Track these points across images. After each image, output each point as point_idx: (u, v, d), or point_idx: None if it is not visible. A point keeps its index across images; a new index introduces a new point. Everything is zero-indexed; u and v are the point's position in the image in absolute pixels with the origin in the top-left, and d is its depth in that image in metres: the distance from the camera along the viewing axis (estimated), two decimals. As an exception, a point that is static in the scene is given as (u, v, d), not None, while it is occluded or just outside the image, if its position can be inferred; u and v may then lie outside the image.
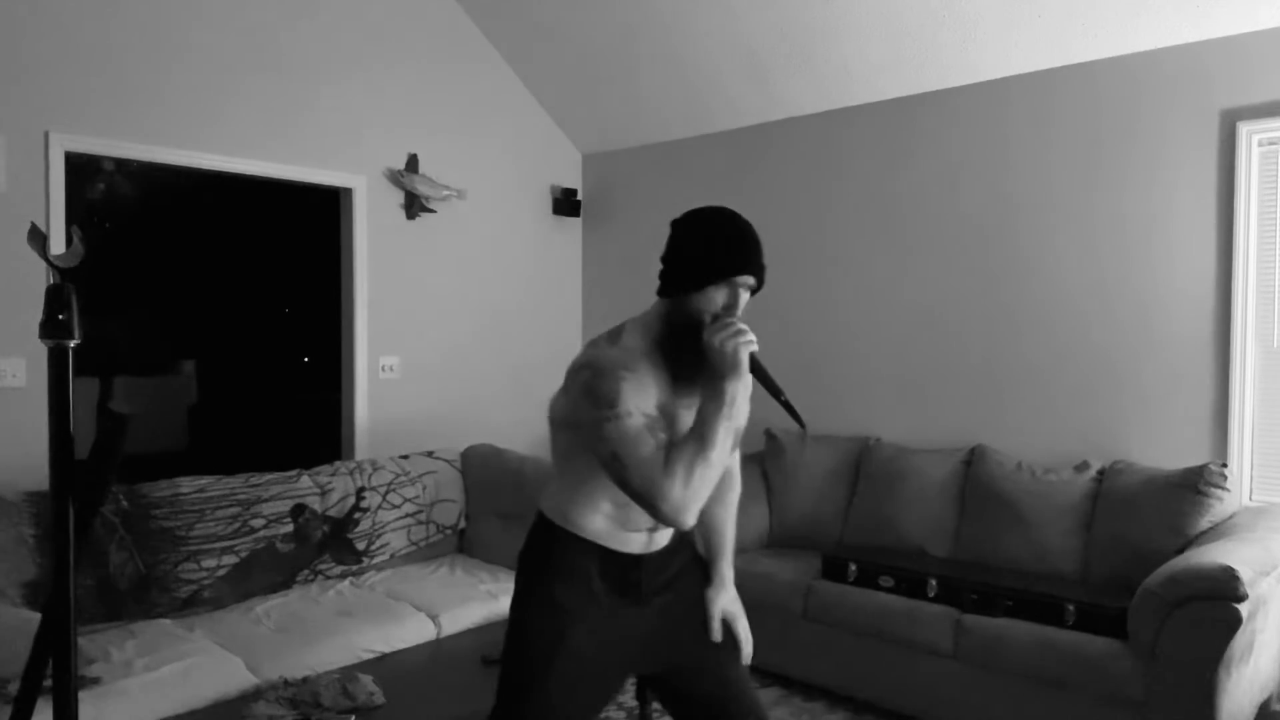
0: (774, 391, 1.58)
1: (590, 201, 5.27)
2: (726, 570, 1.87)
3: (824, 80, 4.13)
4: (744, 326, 1.54)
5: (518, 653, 1.65)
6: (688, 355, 1.58)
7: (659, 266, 1.64)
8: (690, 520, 1.48)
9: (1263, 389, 3.21)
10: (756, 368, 1.55)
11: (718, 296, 1.56)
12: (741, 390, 1.52)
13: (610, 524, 1.65)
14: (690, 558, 1.82)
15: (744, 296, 1.58)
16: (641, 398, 1.51)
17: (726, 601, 1.82)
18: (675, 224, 1.64)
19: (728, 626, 1.82)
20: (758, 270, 1.58)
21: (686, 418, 1.61)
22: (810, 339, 4.36)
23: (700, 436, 1.49)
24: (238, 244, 8.35)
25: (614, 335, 1.62)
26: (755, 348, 1.54)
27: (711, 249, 1.56)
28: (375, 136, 4.28)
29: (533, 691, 1.61)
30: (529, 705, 1.62)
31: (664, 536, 1.73)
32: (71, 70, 3.32)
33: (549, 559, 1.66)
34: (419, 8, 4.43)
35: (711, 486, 1.50)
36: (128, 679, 2.45)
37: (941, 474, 3.62)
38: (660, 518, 1.48)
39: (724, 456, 1.51)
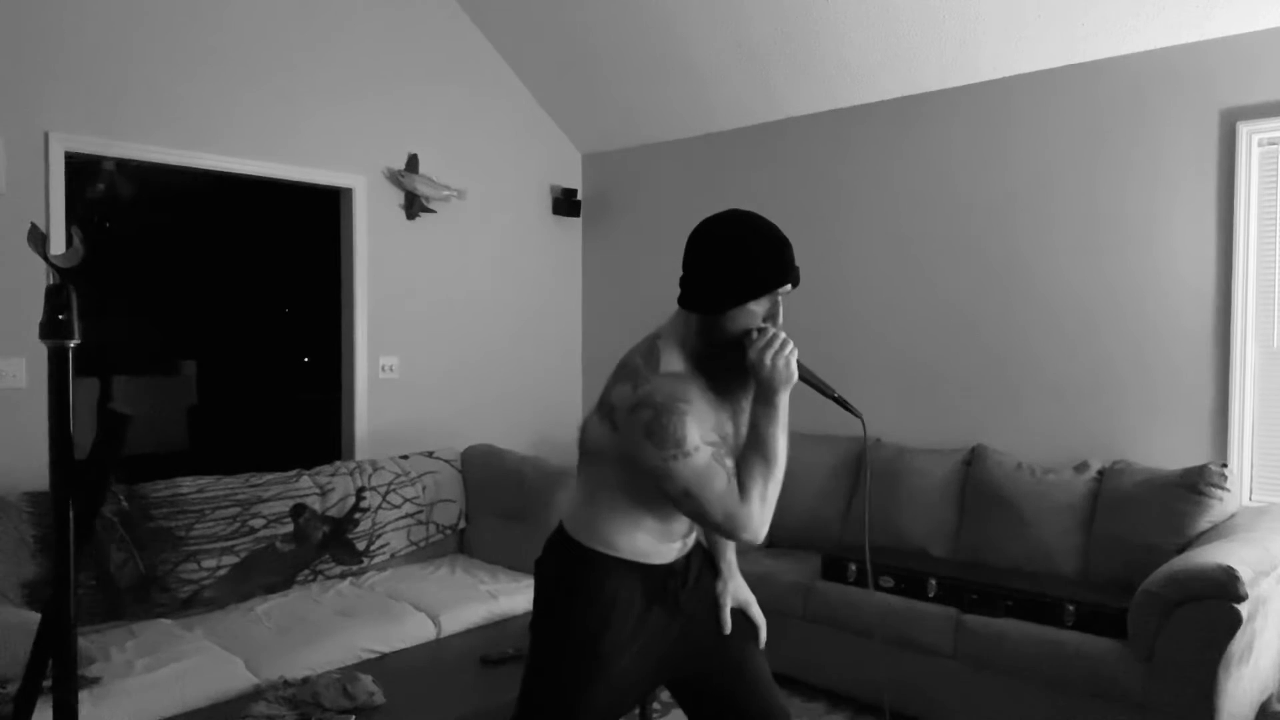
0: (825, 391, 1.61)
1: (590, 201, 5.27)
2: (734, 558, 1.86)
3: (824, 80, 4.13)
4: (785, 336, 1.54)
5: (552, 679, 1.63)
6: (731, 370, 1.57)
7: (684, 277, 1.58)
8: (764, 536, 1.52)
9: (1263, 389, 3.21)
10: (802, 371, 1.57)
11: (759, 309, 1.54)
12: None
13: (652, 539, 1.63)
14: (704, 557, 1.82)
15: (782, 302, 1.57)
16: (703, 428, 1.50)
17: (736, 588, 1.81)
18: (703, 237, 1.57)
19: (742, 614, 1.81)
20: (796, 277, 1.56)
21: (731, 429, 1.61)
22: (810, 339, 4.35)
23: (764, 455, 1.51)
24: (238, 244, 8.35)
25: (651, 357, 1.56)
26: (798, 354, 1.54)
27: (752, 265, 1.51)
28: (375, 136, 4.28)
29: (565, 711, 1.60)
30: None
31: (693, 539, 1.74)
32: (71, 70, 3.32)
33: (587, 582, 1.62)
34: (419, 8, 4.43)
35: (778, 493, 1.53)
36: (128, 679, 2.45)
37: (941, 474, 3.62)
38: (738, 540, 1.53)
39: (784, 466, 1.53)
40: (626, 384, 1.54)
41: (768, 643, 1.85)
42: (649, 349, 1.58)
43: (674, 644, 1.69)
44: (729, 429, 1.61)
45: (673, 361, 1.56)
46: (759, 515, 1.49)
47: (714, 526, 1.51)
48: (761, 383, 1.53)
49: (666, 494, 1.50)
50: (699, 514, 1.50)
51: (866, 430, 1.68)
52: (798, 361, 1.55)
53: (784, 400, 1.54)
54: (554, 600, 1.67)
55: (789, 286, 1.56)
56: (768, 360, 1.51)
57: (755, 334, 1.54)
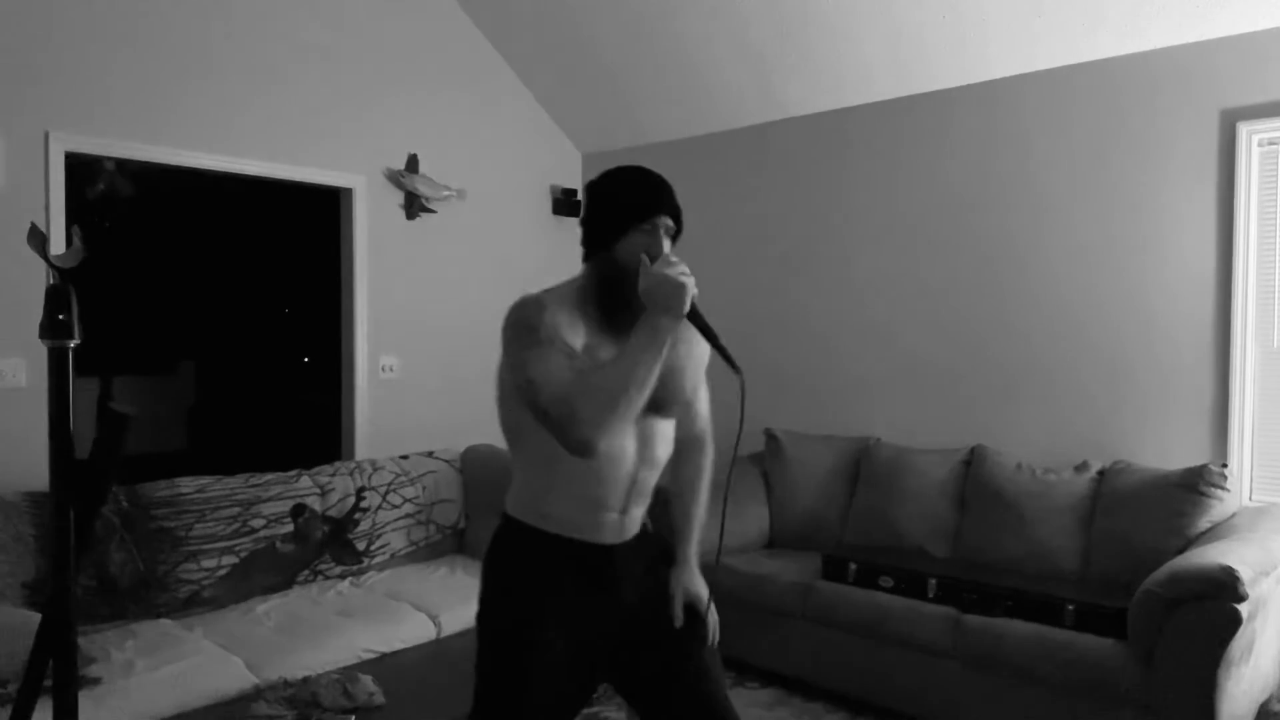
0: (710, 337, 1.54)
1: (590, 201, 5.26)
2: (690, 548, 1.81)
3: (824, 80, 4.13)
4: (684, 267, 1.50)
5: (492, 662, 1.62)
6: (619, 305, 1.57)
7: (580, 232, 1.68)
8: (599, 441, 1.43)
9: (1263, 389, 3.21)
10: (692, 310, 1.50)
11: (640, 242, 1.57)
12: (676, 330, 1.49)
13: (580, 507, 1.60)
14: (658, 552, 1.78)
15: (666, 242, 1.59)
16: (565, 331, 1.52)
17: (688, 581, 1.75)
18: (587, 186, 1.69)
19: (693, 610, 1.74)
20: (673, 209, 1.61)
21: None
22: (810, 339, 4.36)
23: (619, 364, 1.45)
24: (238, 244, 8.34)
25: (545, 291, 1.62)
26: (696, 290, 1.49)
27: (625, 195, 1.61)
28: (375, 136, 4.28)
29: (509, 700, 1.58)
30: (506, 713, 1.59)
31: (635, 520, 1.69)
32: (71, 70, 3.32)
33: (518, 562, 1.64)
34: (419, 8, 4.43)
35: (630, 414, 1.46)
36: (128, 679, 2.45)
37: (941, 474, 3.62)
38: (570, 439, 1.44)
39: (642, 389, 1.45)
40: None
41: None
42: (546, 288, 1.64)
43: (619, 633, 1.66)
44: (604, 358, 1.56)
45: (561, 290, 1.62)
46: (591, 414, 1.41)
47: (546, 416, 1.45)
48: (646, 298, 1.47)
49: (518, 389, 1.50)
50: (534, 402, 1.46)
51: (744, 388, 1.56)
52: (692, 301, 1.49)
53: (661, 325, 1.45)
54: (491, 582, 1.68)
55: (669, 221, 1.60)
56: (663, 271, 1.47)
57: (650, 258, 1.53)
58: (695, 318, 1.52)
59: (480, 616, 1.68)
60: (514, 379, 1.51)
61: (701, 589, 1.77)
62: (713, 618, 1.77)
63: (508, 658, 1.60)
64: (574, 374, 1.47)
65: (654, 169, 1.71)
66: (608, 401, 1.43)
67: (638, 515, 1.70)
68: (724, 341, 1.54)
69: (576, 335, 1.55)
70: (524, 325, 1.50)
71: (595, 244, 1.63)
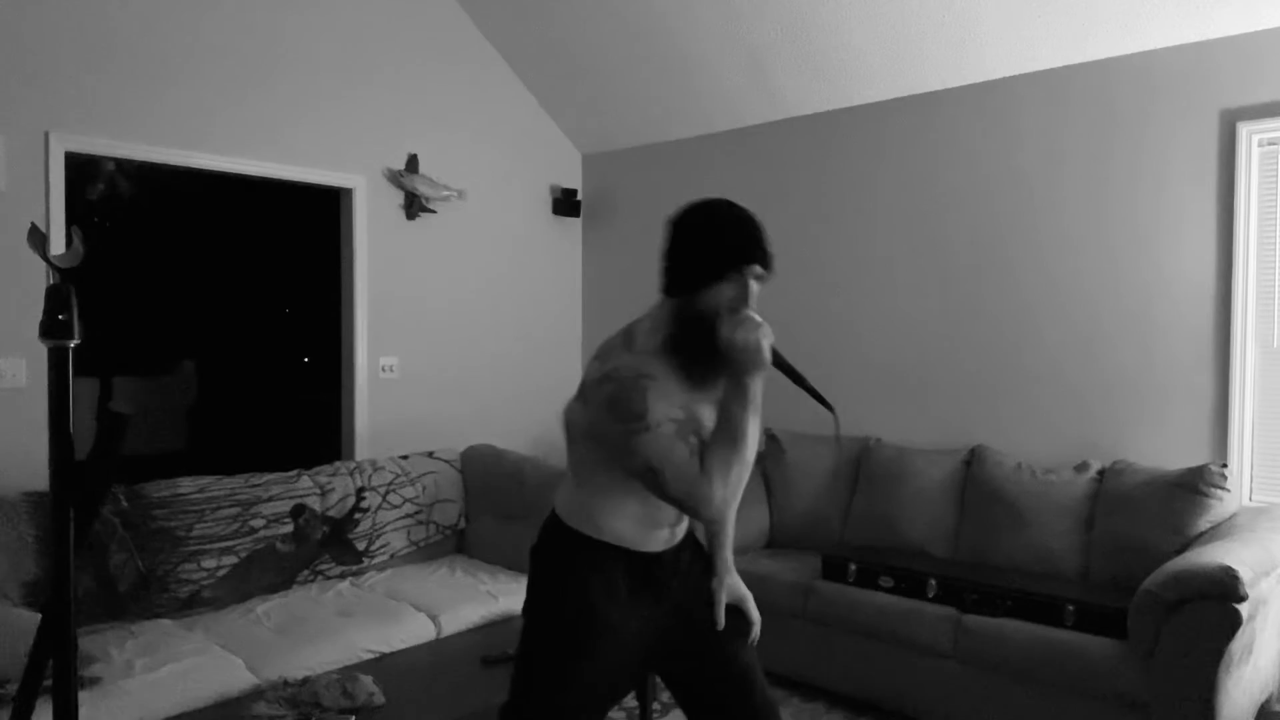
0: (798, 379, 1.60)
1: (590, 201, 5.27)
2: (729, 554, 1.87)
3: (824, 80, 4.13)
4: (759, 319, 1.53)
5: (541, 653, 1.65)
6: (702, 352, 1.57)
7: (660, 265, 1.63)
8: (731, 517, 1.52)
9: (1263, 389, 3.21)
10: (776, 358, 1.56)
11: (728, 290, 1.55)
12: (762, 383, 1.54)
13: (637, 525, 1.64)
14: (695, 550, 1.83)
15: (754, 287, 1.58)
16: (667, 403, 1.51)
17: (732, 584, 1.83)
18: (675, 221, 1.63)
19: (736, 610, 1.82)
20: (766, 258, 1.58)
21: (704, 413, 1.60)
22: (810, 339, 4.36)
23: (730, 435, 1.50)
24: (238, 244, 8.34)
25: (627, 338, 1.61)
26: (773, 339, 1.53)
27: (718, 242, 1.56)
28: (375, 136, 4.28)
29: (553, 692, 1.61)
30: (549, 705, 1.62)
31: (682, 529, 1.74)
32: (71, 70, 3.32)
33: (575, 564, 1.65)
34: (419, 8, 4.43)
35: (745, 481, 1.51)
36: (128, 679, 2.45)
37: (941, 474, 3.62)
38: (701, 519, 1.51)
39: (754, 450, 1.52)
40: (598, 361, 1.59)
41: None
42: (626, 331, 1.63)
43: (663, 635, 1.71)
44: (702, 413, 1.60)
45: (647, 342, 1.59)
46: (720, 493, 1.48)
47: (674, 502, 1.51)
48: (732, 363, 1.52)
49: (628, 469, 1.51)
50: (659, 488, 1.50)
51: (839, 423, 1.69)
52: (773, 349, 1.54)
53: (754, 383, 1.52)
54: (542, 582, 1.69)
55: (759, 269, 1.57)
56: (739, 339, 1.51)
57: (727, 314, 1.54)
58: (780, 364, 1.58)
59: (533, 610, 1.69)
60: (622, 460, 1.52)
61: (744, 589, 1.85)
62: (755, 616, 1.85)
63: (560, 654, 1.62)
64: (692, 457, 1.49)
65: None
66: (735, 482, 1.50)
67: (682, 528, 1.76)
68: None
69: (673, 400, 1.53)
70: (631, 412, 1.47)
71: (681, 286, 1.58)
